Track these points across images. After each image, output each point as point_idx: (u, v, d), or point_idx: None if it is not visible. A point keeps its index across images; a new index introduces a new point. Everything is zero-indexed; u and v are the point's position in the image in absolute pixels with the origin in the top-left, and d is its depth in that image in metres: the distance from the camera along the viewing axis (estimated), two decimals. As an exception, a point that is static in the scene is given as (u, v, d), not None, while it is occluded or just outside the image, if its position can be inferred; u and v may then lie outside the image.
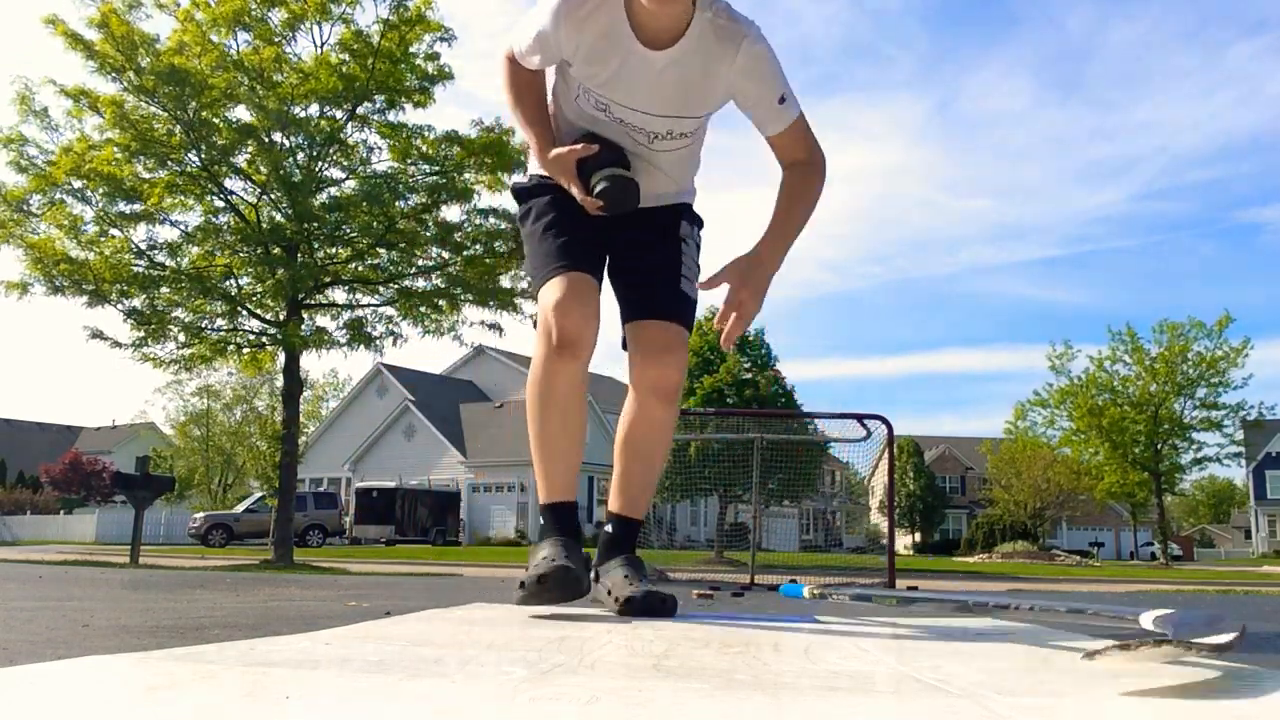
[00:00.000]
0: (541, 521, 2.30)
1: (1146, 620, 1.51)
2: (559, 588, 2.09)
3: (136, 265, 13.13)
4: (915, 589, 6.50)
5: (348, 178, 14.06)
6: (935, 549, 51.27)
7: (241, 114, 13.34)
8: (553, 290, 2.17)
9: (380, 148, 14.01)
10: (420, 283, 14.15)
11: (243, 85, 12.94)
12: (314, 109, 13.63)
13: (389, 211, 13.30)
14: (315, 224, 13.14)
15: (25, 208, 12.56)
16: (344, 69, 13.14)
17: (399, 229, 13.45)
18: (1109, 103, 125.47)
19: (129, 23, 12.37)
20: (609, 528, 2.36)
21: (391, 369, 42.15)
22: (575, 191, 2.17)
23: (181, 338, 13.44)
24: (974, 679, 1.28)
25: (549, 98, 2.34)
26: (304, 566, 11.77)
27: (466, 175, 13.61)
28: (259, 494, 32.32)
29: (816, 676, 1.20)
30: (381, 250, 13.84)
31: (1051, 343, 44.36)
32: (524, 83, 2.27)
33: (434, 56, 13.46)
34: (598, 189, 2.13)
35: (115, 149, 12.52)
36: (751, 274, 2.15)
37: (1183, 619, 1.48)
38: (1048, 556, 34.61)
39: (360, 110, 13.61)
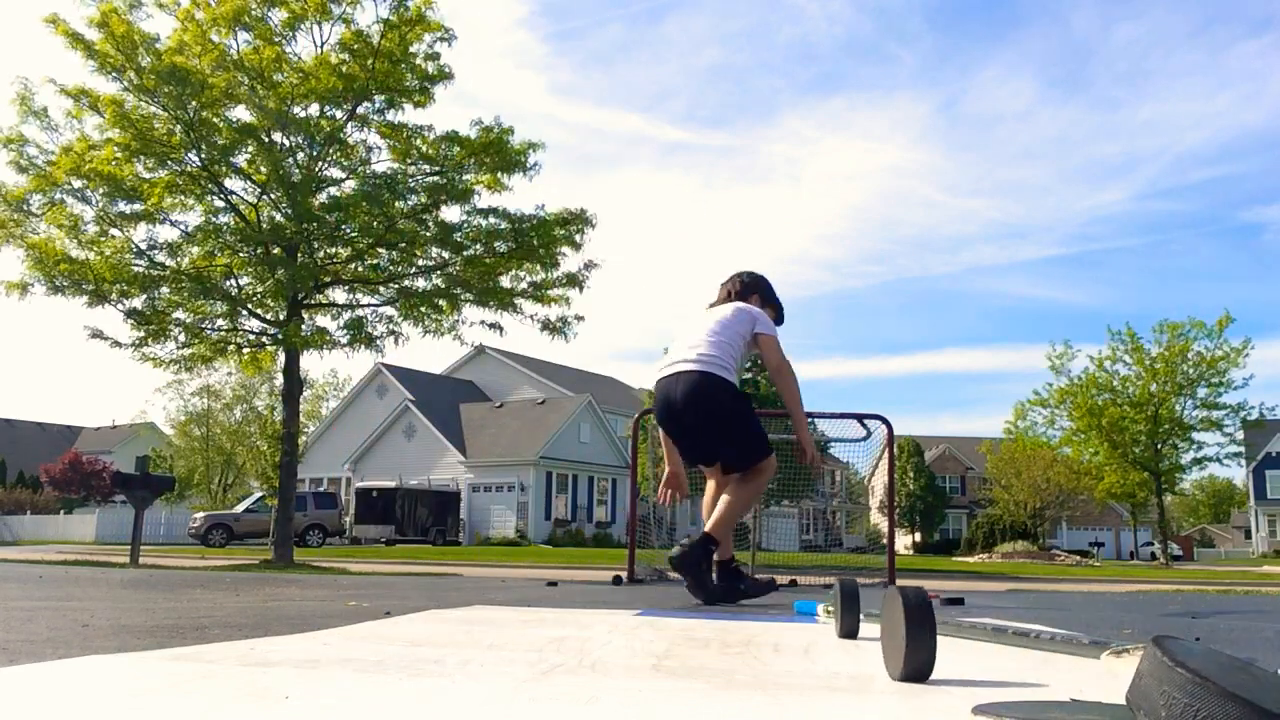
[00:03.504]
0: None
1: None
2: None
3: (136, 265, 13.12)
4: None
5: (348, 178, 14.03)
6: (935, 549, 51.30)
7: (241, 114, 13.33)
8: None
9: (380, 148, 13.99)
10: (420, 283, 14.12)
11: (243, 85, 12.93)
12: (314, 109, 13.61)
13: (389, 211, 13.28)
14: (315, 224, 13.12)
15: (25, 208, 12.55)
16: (344, 69, 13.12)
17: (399, 229, 13.43)
18: (1112, 101, 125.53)
19: (129, 22, 12.35)
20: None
21: (391, 369, 42.15)
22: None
23: (181, 338, 13.43)
24: (971, 681, 1.28)
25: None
26: (304, 566, 11.77)
27: (466, 175, 13.58)
28: (259, 494, 32.32)
29: (816, 676, 1.20)
30: (381, 250, 13.83)
31: (1051, 343, 44.41)
32: None
33: (434, 56, 13.44)
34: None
35: (115, 149, 12.50)
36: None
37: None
38: (1048, 556, 34.62)
39: (360, 110, 13.60)
